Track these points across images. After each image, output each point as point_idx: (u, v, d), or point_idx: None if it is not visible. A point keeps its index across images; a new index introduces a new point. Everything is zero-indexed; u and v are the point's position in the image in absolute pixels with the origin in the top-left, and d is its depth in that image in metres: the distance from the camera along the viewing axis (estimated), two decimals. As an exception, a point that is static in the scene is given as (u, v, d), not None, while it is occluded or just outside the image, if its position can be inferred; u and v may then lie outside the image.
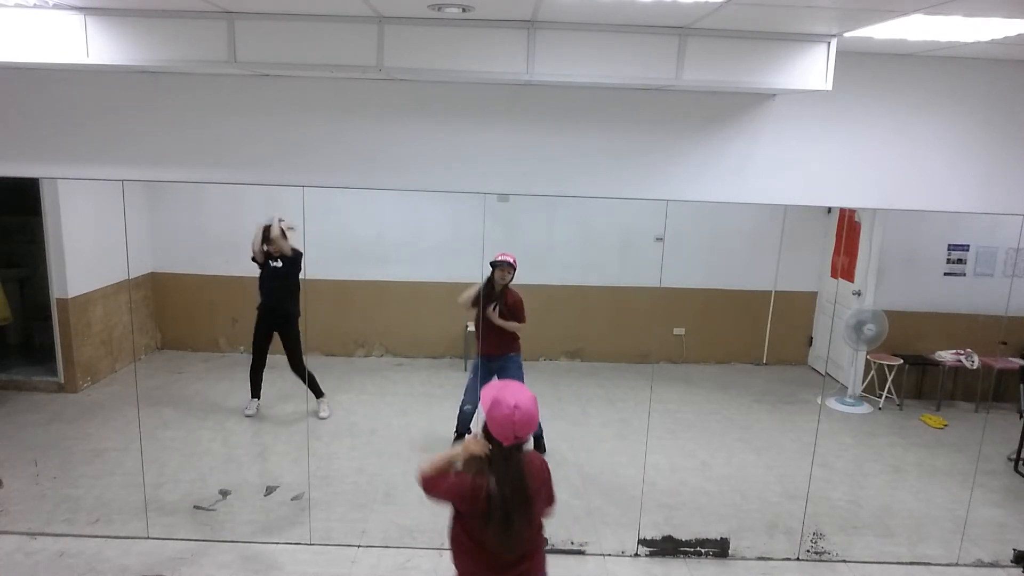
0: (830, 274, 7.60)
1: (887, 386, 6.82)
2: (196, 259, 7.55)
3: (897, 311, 6.82)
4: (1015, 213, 3.87)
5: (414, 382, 7.07)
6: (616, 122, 3.68)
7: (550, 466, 2.60)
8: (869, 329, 6.46)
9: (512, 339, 5.22)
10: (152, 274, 7.60)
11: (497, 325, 5.10)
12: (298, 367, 5.85)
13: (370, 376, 7.18)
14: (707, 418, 6.37)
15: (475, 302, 5.15)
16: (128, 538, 4.19)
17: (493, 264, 5.11)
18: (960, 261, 6.90)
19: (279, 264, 5.69)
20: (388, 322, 7.74)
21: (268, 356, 5.98)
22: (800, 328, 7.91)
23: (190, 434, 5.63)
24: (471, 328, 7.26)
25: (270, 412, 6.11)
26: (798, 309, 7.85)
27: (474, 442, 2.42)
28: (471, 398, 5.23)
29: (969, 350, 6.74)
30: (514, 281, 5.17)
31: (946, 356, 6.80)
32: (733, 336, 7.87)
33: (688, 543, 4.27)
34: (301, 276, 5.72)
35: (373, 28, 3.14)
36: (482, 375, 5.17)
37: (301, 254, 5.67)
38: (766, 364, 7.91)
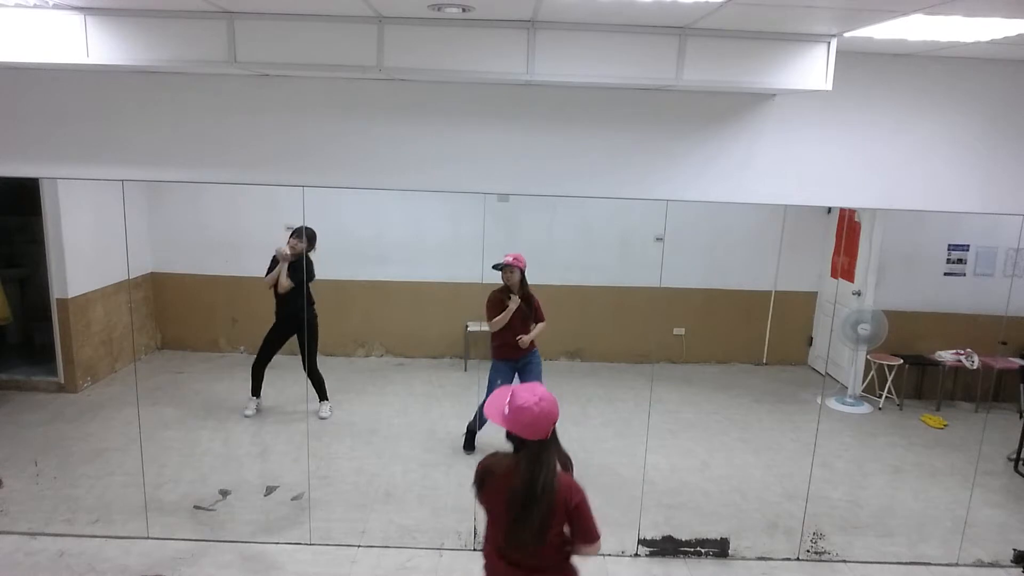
0: (830, 274, 7.60)
1: (887, 386, 6.82)
2: (196, 259, 7.55)
3: (897, 311, 6.82)
4: (1015, 213, 3.87)
5: (414, 382, 7.07)
6: (616, 122, 3.68)
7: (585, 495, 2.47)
8: (864, 328, 6.47)
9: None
10: (152, 274, 7.59)
11: (527, 330, 5.16)
12: (312, 370, 5.84)
13: (370, 376, 7.18)
14: (707, 418, 6.37)
15: (491, 307, 5.18)
16: (128, 538, 4.19)
17: (497, 267, 5.11)
18: (960, 261, 6.90)
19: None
20: (388, 322, 7.74)
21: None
22: (800, 328, 7.91)
23: (190, 434, 5.63)
24: (471, 328, 7.28)
25: (270, 412, 6.11)
26: (798, 309, 7.85)
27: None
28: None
29: (969, 350, 6.74)
30: (525, 280, 5.20)
31: (946, 356, 6.80)
32: (733, 336, 7.87)
33: (688, 543, 4.27)
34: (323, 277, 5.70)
35: (373, 28, 3.14)
36: (504, 375, 5.19)
37: (307, 258, 5.67)
38: (766, 364, 7.90)
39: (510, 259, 5.10)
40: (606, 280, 7.67)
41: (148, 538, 4.20)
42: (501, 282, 5.20)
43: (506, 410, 2.33)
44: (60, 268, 6.22)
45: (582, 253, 7.63)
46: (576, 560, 2.53)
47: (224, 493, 4.73)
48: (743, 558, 4.23)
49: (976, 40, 3.18)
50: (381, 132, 3.67)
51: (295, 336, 5.85)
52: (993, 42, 3.19)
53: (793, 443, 5.86)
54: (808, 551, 4.30)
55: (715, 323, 7.83)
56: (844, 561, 4.24)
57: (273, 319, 5.86)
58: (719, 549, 4.25)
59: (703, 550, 4.25)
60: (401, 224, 7.55)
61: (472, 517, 4.34)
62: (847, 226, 7.28)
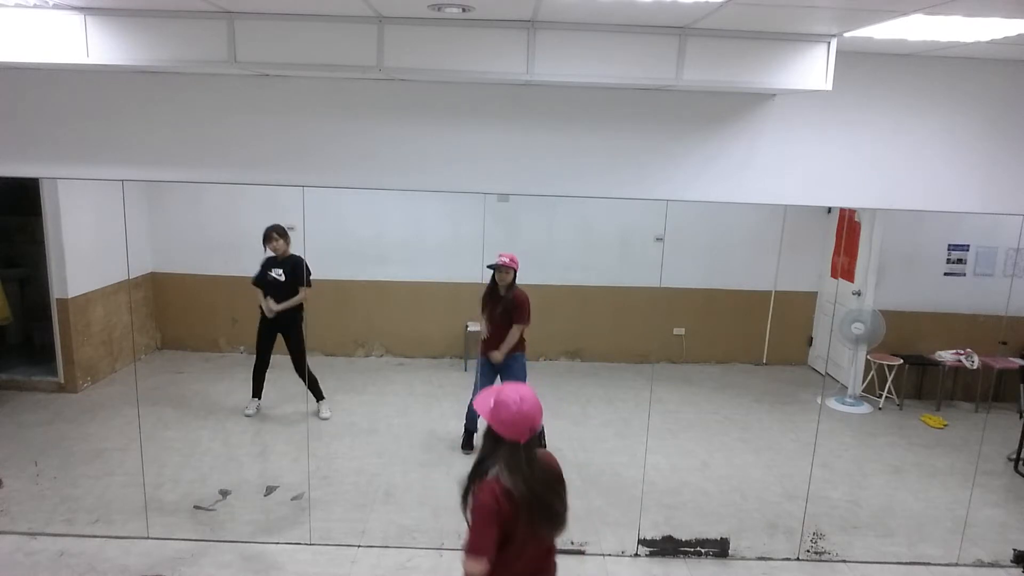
0: (830, 274, 7.60)
1: (887, 386, 6.82)
2: (196, 259, 7.55)
3: (897, 311, 6.82)
4: (1015, 213, 3.87)
5: (414, 382, 7.07)
6: (616, 122, 3.68)
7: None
8: (857, 327, 6.48)
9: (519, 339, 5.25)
10: (152, 274, 7.59)
11: (503, 332, 5.14)
12: (300, 369, 5.85)
13: (370, 376, 7.18)
14: (707, 418, 6.37)
15: (483, 307, 5.18)
16: (128, 538, 4.19)
17: (491, 267, 5.12)
18: (960, 261, 6.90)
19: (281, 276, 5.70)
20: (388, 322, 7.74)
21: (270, 357, 5.98)
22: (800, 328, 7.91)
23: (190, 434, 5.63)
24: (471, 328, 7.28)
25: (270, 412, 6.11)
26: (798, 309, 7.85)
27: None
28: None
29: (969, 350, 6.74)
30: (515, 281, 5.18)
31: (946, 356, 6.80)
32: (733, 336, 7.87)
33: (688, 543, 4.27)
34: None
35: (373, 28, 3.14)
36: (486, 373, 5.20)
37: (301, 259, 5.67)
38: (766, 364, 7.90)
39: (505, 260, 5.09)
40: (606, 280, 7.67)
41: (148, 538, 4.20)
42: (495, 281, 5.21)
43: (491, 403, 2.31)
44: (60, 268, 6.22)
45: (582, 253, 7.63)
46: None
47: (224, 493, 4.73)
48: (743, 558, 4.23)
49: (976, 40, 3.18)
50: (381, 132, 3.67)
51: (282, 334, 5.87)
52: (993, 42, 3.19)
53: (793, 443, 5.86)
54: (808, 551, 4.30)
55: (715, 323, 7.83)
56: (844, 561, 4.24)
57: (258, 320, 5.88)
58: (719, 549, 4.25)
59: (703, 550, 4.25)
60: (401, 224, 7.55)
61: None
62: (847, 226, 7.28)
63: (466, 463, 5.09)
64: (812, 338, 7.91)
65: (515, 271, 5.12)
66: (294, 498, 4.69)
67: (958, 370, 6.79)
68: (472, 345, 7.51)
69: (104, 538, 4.19)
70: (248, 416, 5.97)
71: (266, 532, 4.31)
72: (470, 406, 5.36)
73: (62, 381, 6.42)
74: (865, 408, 6.75)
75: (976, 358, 6.67)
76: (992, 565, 4.28)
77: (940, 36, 3.12)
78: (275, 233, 5.67)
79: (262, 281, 5.77)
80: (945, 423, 6.44)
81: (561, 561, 2.54)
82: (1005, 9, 2.62)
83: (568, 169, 3.73)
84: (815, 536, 4.44)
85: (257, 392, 6.05)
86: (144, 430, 4.87)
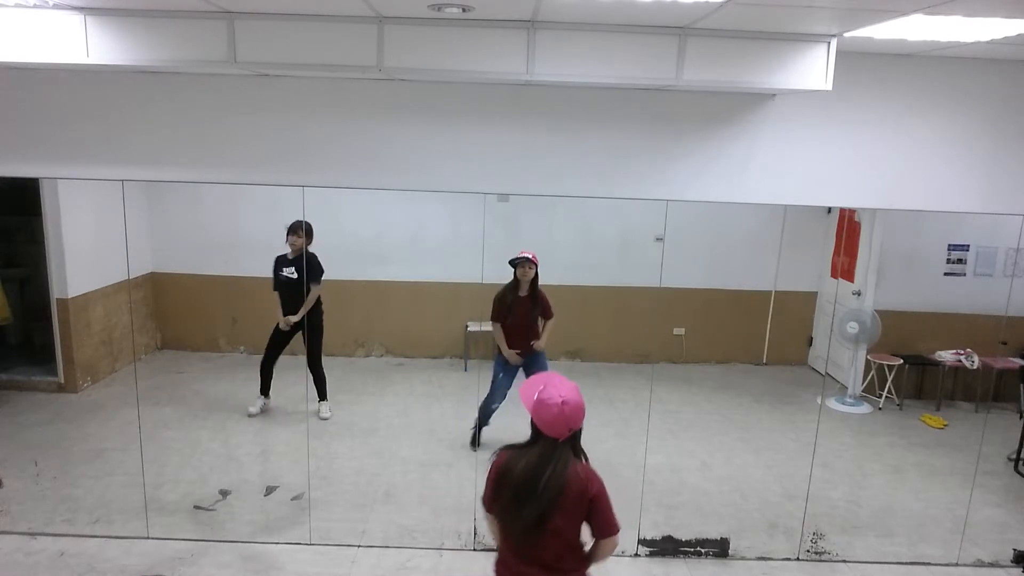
0: (830, 274, 7.60)
1: (887, 386, 6.82)
2: (196, 259, 7.54)
3: (897, 311, 6.83)
4: (1015, 213, 3.87)
5: (414, 382, 7.07)
6: (616, 122, 3.68)
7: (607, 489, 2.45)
8: (851, 327, 6.49)
9: (539, 335, 5.32)
10: (152, 274, 7.59)
11: (534, 329, 5.24)
12: (313, 365, 5.84)
13: (370, 376, 7.18)
14: (707, 418, 6.37)
15: (500, 309, 5.24)
16: (128, 538, 4.19)
17: (513, 263, 5.14)
18: (960, 261, 6.90)
19: (293, 274, 5.69)
20: (388, 322, 7.73)
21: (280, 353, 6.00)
22: (800, 328, 7.91)
23: (190, 434, 5.63)
24: (471, 328, 7.28)
25: (270, 412, 6.10)
26: (798, 309, 7.85)
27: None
28: (499, 397, 5.27)
29: (969, 350, 6.74)
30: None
31: (946, 356, 6.80)
32: (733, 336, 7.86)
33: (688, 543, 4.27)
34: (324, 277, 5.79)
35: (373, 28, 3.14)
36: (509, 371, 5.25)
37: (313, 255, 5.66)
38: (766, 364, 7.90)
39: (529, 254, 5.14)
40: (606, 280, 7.67)
41: (148, 538, 4.20)
42: (505, 281, 5.22)
43: (535, 397, 2.33)
44: (60, 268, 6.22)
45: (582, 253, 7.62)
46: (593, 568, 2.49)
47: (224, 493, 4.73)
48: (743, 558, 4.23)
49: (976, 40, 3.18)
50: (381, 132, 3.67)
51: (299, 335, 5.86)
52: (993, 42, 3.19)
53: (793, 443, 5.86)
54: (808, 551, 4.30)
55: (715, 323, 7.83)
56: (844, 561, 4.24)
57: (260, 320, 5.87)
58: (719, 549, 4.25)
59: (703, 550, 4.25)
60: (401, 224, 7.55)
61: (472, 517, 4.35)
62: (847, 226, 7.28)
63: (469, 463, 5.13)
64: (812, 338, 7.91)
65: (536, 267, 5.19)
66: (294, 498, 4.69)
67: (958, 370, 6.79)
68: (472, 345, 7.52)
69: (104, 538, 4.18)
70: (251, 415, 5.97)
71: (266, 532, 4.31)
72: (482, 406, 5.37)
73: (62, 381, 6.42)
74: (865, 408, 6.75)
75: (976, 358, 6.67)
76: (992, 565, 4.28)
77: (940, 36, 3.12)
78: (302, 229, 5.65)
79: (279, 285, 5.76)
80: (945, 423, 6.44)
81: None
82: (1005, 9, 2.62)
83: (568, 169, 3.73)
84: (815, 536, 4.44)
85: (265, 389, 6.03)
86: (144, 430, 4.87)
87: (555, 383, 2.37)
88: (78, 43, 3.12)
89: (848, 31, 3.07)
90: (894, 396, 6.89)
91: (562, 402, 2.31)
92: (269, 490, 4.81)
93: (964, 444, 5.96)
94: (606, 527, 2.42)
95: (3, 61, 3.21)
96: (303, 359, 5.83)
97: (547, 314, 5.30)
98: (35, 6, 3.05)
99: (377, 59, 3.16)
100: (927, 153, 3.75)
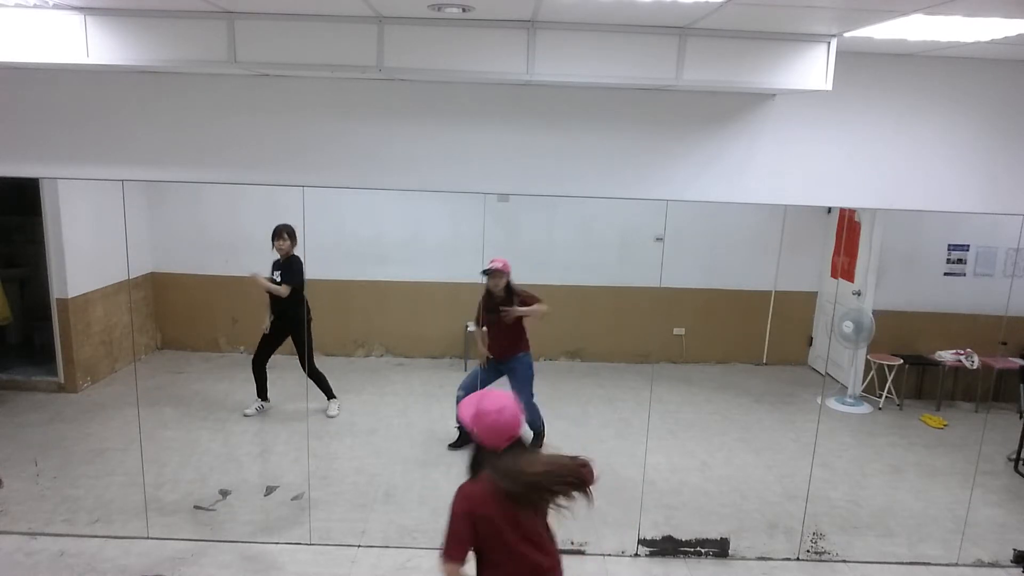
0: (830, 274, 7.60)
1: (887, 386, 6.82)
2: (196, 259, 7.55)
3: (897, 311, 6.83)
4: (1015, 213, 3.87)
5: (414, 382, 7.07)
6: (616, 122, 3.68)
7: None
8: (847, 326, 6.50)
9: (521, 338, 5.25)
10: (152, 274, 7.59)
11: (509, 323, 5.12)
12: (312, 370, 5.84)
13: (370, 376, 7.18)
14: (707, 418, 6.37)
15: (478, 318, 5.19)
16: (128, 538, 4.19)
17: (486, 273, 5.08)
18: (960, 261, 6.90)
19: (278, 277, 5.70)
20: (388, 322, 7.73)
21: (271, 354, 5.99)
22: (800, 328, 7.91)
23: (190, 434, 5.63)
24: (471, 328, 7.27)
25: (270, 412, 6.10)
26: (798, 309, 7.85)
27: None
28: (467, 389, 5.21)
29: (969, 350, 6.74)
30: (515, 281, 5.17)
31: (946, 356, 6.80)
32: (733, 336, 7.87)
33: (688, 543, 4.27)
34: (307, 278, 5.74)
35: (373, 28, 3.14)
36: (489, 376, 5.20)
37: (297, 259, 5.66)
38: (766, 364, 7.90)
39: (498, 264, 5.05)
40: (606, 280, 7.67)
41: (148, 538, 4.20)
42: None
43: (472, 411, 2.35)
44: (60, 268, 6.22)
45: (582, 253, 7.62)
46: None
47: (224, 493, 4.73)
48: (743, 558, 4.23)
49: (976, 40, 3.18)
50: (381, 132, 3.67)
51: (293, 335, 5.86)
52: (993, 42, 3.19)
53: (793, 443, 5.86)
54: (808, 551, 4.30)
55: (715, 323, 7.83)
56: (844, 561, 4.24)
57: (267, 319, 5.88)
58: (719, 549, 4.25)
59: (703, 550, 4.25)
60: (401, 224, 7.55)
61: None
62: (847, 226, 7.28)
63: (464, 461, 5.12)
64: (812, 338, 7.91)
65: (508, 275, 5.09)
66: (294, 498, 4.69)
67: (958, 370, 6.79)
68: (472, 345, 7.51)
69: (104, 538, 4.19)
70: (247, 416, 5.97)
71: (266, 532, 4.31)
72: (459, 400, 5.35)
73: (62, 381, 6.42)
74: (865, 408, 6.75)
75: (976, 358, 6.67)
76: (992, 565, 4.28)
77: (940, 36, 3.12)
78: (285, 232, 5.66)
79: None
80: (945, 423, 6.44)
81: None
82: (1005, 9, 2.62)
83: (568, 169, 3.73)
84: (815, 536, 4.44)
85: (261, 392, 6.02)
86: (144, 430, 4.87)
87: (491, 396, 2.41)
88: (78, 43, 3.12)
89: (848, 31, 3.07)
90: (894, 396, 6.89)
91: (498, 410, 2.33)
92: (269, 490, 4.81)
93: (964, 444, 5.96)
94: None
95: (3, 61, 3.21)
96: (299, 360, 5.83)
97: (528, 303, 5.12)
98: (35, 6, 3.05)
99: (377, 59, 3.16)
100: (927, 153, 3.75)
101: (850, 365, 6.95)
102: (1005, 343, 6.76)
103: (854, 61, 3.56)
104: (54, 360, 6.42)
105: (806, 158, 3.73)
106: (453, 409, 5.45)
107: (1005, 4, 2.56)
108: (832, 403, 6.80)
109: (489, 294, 5.15)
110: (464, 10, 2.89)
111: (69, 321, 6.31)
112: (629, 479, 5.01)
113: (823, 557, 4.27)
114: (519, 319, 5.18)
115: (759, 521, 4.62)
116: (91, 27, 3.11)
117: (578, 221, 7.60)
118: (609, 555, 4.20)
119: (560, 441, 5.58)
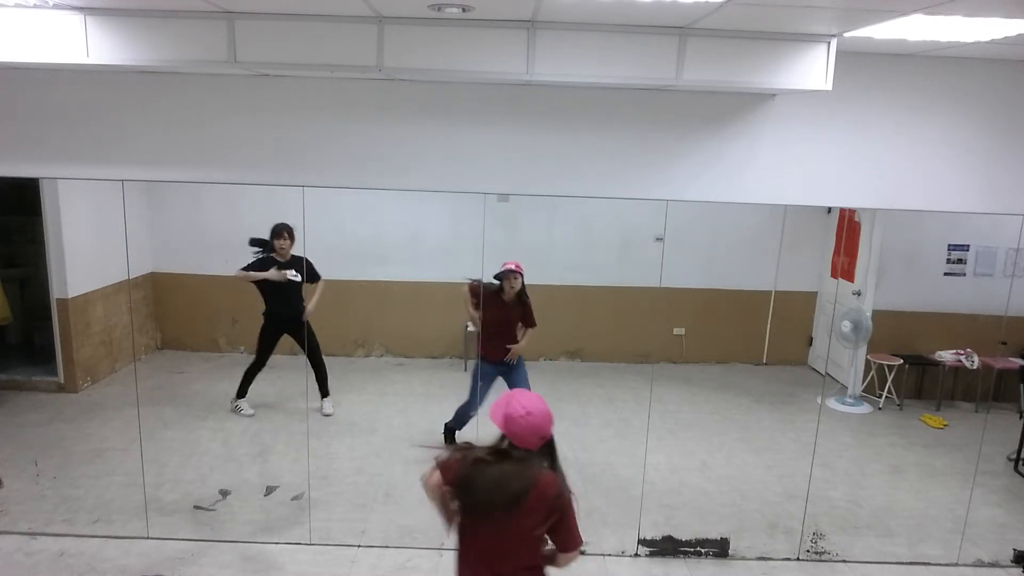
0: (830, 274, 7.60)
1: (887, 386, 6.82)
2: (196, 259, 7.54)
3: (897, 311, 6.83)
4: (1015, 213, 3.87)
5: (414, 382, 7.07)
6: (616, 122, 3.68)
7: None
8: (845, 325, 6.50)
9: (517, 340, 5.24)
10: (152, 274, 7.59)
11: (514, 333, 5.16)
12: (314, 359, 5.84)
13: (370, 376, 7.18)
14: (707, 418, 6.37)
15: (477, 305, 5.16)
16: (128, 538, 4.19)
17: (499, 276, 5.07)
18: (960, 261, 6.90)
19: (297, 276, 5.69)
20: (388, 322, 7.73)
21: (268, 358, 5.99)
22: (800, 328, 7.91)
23: (190, 434, 5.63)
24: (471, 328, 7.27)
25: (270, 412, 6.10)
26: (798, 309, 7.85)
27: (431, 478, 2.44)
28: (476, 404, 5.21)
29: (969, 350, 6.74)
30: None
31: (946, 356, 6.80)
32: (733, 336, 7.86)
33: (688, 543, 4.27)
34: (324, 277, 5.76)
35: (373, 28, 3.14)
36: (487, 376, 5.19)
37: (303, 258, 5.67)
38: (766, 364, 7.90)
39: (512, 266, 5.05)
40: (606, 280, 7.67)
41: (148, 538, 4.20)
42: (498, 284, 5.17)
43: (503, 413, 2.39)
44: (60, 268, 6.22)
45: (582, 253, 7.62)
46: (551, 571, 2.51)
47: (224, 493, 4.73)
48: (743, 558, 4.24)
49: (976, 40, 3.18)
50: (381, 132, 3.67)
51: (286, 336, 5.86)
52: (993, 42, 3.19)
53: (793, 443, 5.86)
54: (808, 551, 4.30)
55: (715, 323, 7.83)
56: (844, 561, 4.24)
57: (261, 320, 5.87)
58: (719, 549, 4.25)
59: (703, 550, 4.25)
60: (401, 224, 7.55)
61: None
62: (847, 226, 7.28)
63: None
64: (812, 338, 7.91)
65: (522, 276, 5.11)
66: (294, 498, 4.69)
67: (958, 370, 6.79)
68: (472, 345, 7.51)
69: (104, 538, 4.19)
70: (247, 416, 5.96)
71: (266, 532, 4.31)
72: (461, 408, 5.35)
73: (62, 381, 6.42)
74: (865, 408, 6.75)
75: (976, 358, 6.67)
76: (992, 565, 4.29)
77: (940, 36, 3.12)
78: (286, 232, 5.65)
79: (274, 284, 5.71)
80: (945, 423, 6.44)
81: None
82: (1005, 9, 2.63)
83: (568, 169, 3.73)
84: (815, 536, 4.44)
85: (242, 392, 6.02)
86: (144, 430, 4.87)
87: (518, 397, 2.43)
88: (78, 43, 3.12)
89: (848, 31, 3.07)
90: (894, 396, 6.89)
91: (527, 413, 2.36)
92: (269, 490, 4.81)
93: (964, 444, 5.96)
94: (568, 543, 2.43)
95: (3, 61, 3.21)
96: (303, 358, 5.83)
97: (528, 322, 5.20)
98: (35, 6, 3.05)
99: (377, 59, 3.16)
100: (927, 153, 3.75)
101: (850, 365, 6.95)
102: (1005, 343, 6.76)
103: (854, 61, 3.56)
104: (54, 360, 6.42)
105: (806, 158, 3.73)
106: (453, 409, 5.47)
107: (1005, 4, 2.56)
108: (832, 403, 6.80)
109: (498, 293, 5.15)
110: (464, 10, 2.89)
111: (69, 321, 6.31)
112: (629, 479, 5.01)
113: (823, 557, 4.27)
114: (516, 322, 5.18)
115: (759, 521, 4.62)
116: (91, 27, 3.11)
117: (578, 221, 7.60)
118: (609, 555, 4.20)
119: (560, 441, 5.58)
